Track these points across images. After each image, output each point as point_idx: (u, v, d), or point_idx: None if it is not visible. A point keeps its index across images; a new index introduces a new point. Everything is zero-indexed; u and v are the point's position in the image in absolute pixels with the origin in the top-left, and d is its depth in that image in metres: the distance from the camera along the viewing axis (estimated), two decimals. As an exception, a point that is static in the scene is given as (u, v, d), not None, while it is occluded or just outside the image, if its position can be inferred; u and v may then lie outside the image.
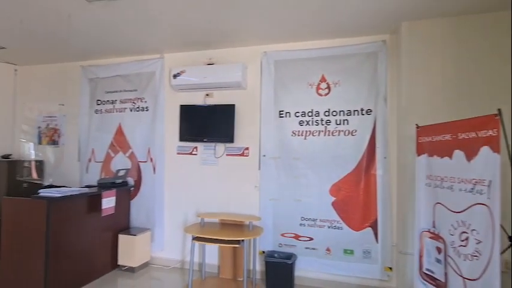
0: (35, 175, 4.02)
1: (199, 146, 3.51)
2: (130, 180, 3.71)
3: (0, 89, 4.07)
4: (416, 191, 2.38)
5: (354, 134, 3.03)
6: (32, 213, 2.67)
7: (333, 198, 3.07)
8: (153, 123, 3.66)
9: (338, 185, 3.06)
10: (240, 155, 3.37)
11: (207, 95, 3.48)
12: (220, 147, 3.43)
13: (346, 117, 3.05)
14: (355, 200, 3.01)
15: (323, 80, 3.14)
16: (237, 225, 3.17)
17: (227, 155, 3.41)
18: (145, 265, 3.55)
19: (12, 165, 3.78)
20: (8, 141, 4.18)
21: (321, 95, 3.14)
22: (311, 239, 3.14)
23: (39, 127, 4.18)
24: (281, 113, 3.24)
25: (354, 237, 3.01)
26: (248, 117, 3.35)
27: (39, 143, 4.16)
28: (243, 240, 2.79)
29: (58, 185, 3.65)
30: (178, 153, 3.59)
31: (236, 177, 3.37)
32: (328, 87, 3.11)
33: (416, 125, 2.42)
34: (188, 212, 3.52)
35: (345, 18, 2.67)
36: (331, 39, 3.11)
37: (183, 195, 3.55)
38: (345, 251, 3.04)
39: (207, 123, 3.38)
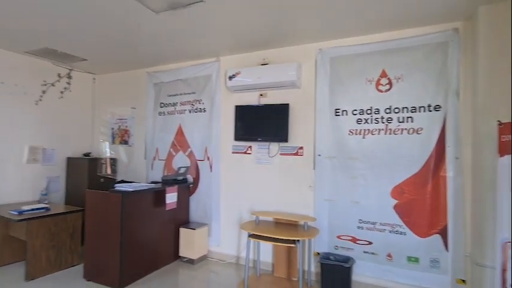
0: (109, 171, 4.53)
1: (254, 145, 3.58)
2: (190, 178, 3.95)
3: (81, 96, 4.67)
4: (497, 196, 2.11)
5: (419, 132, 2.80)
6: (109, 205, 3.01)
7: (395, 201, 2.88)
8: (210, 124, 3.84)
9: (401, 187, 2.86)
10: (294, 154, 3.36)
11: (261, 95, 3.53)
12: (274, 146, 3.46)
13: (410, 114, 2.83)
14: (421, 203, 2.78)
15: (383, 75, 2.95)
16: (291, 225, 3.17)
17: (281, 154, 3.43)
18: (204, 258, 3.75)
19: (92, 162, 4.30)
20: (88, 141, 4.78)
21: (381, 91, 2.96)
22: (370, 243, 2.98)
23: (112, 128, 4.69)
24: (337, 111, 3.14)
25: (419, 243, 2.78)
26: (302, 116, 3.32)
27: (113, 142, 4.67)
28: (298, 240, 2.77)
29: (129, 180, 4.07)
30: (233, 152, 3.71)
31: (290, 176, 3.37)
32: (390, 83, 2.92)
33: (499, 121, 2.13)
34: (243, 210, 3.63)
35: (410, 7, 2.48)
36: (393, 31, 2.92)
37: (238, 193, 3.66)
38: (409, 259, 2.82)
39: (261, 123, 3.43)
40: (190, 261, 3.61)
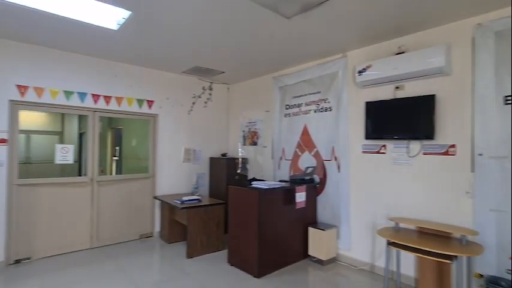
0: (242, 169, 5.05)
1: (388, 144, 3.25)
2: (316, 178, 3.94)
3: (219, 104, 5.41)
4: None
5: None
6: (248, 200, 3.33)
7: None
8: (337, 123, 3.73)
9: None
10: (443, 153, 2.85)
11: (397, 87, 3.16)
12: (415, 145, 3.03)
13: None
14: None
15: None
16: (441, 237, 2.69)
17: (424, 153, 2.97)
18: (333, 260, 3.66)
19: (229, 161, 4.91)
20: (224, 143, 5.49)
21: None
22: None
23: (243, 131, 5.22)
24: (508, 99, 2.47)
25: None
26: (454, 107, 2.78)
27: (244, 143, 5.19)
28: (455, 256, 2.32)
29: (259, 178, 4.42)
30: (363, 152, 3.47)
31: (437, 179, 2.88)
32: None
33: None
34: (377, 214, 3.34)
35: None
36: None
37: (370, 195, 3.41)
38: None
39: (398, 119, 3.08)
40: (320, 262, 3.60)
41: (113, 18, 2.80)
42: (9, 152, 3.43)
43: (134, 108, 4.37)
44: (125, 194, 4.38)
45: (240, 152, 5.20)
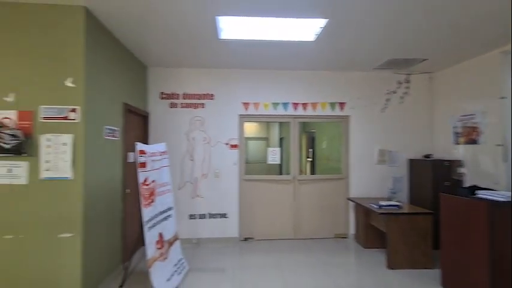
0: (454, 174, 4.10)
1: None
2: None
3: (419, 98, 4.67)
4: None
5: None
6: (471, 213, 2.63)
7: None
8: None
9: None
10: None
11: None
12: None
13: None
14: None
15: None
16: None
17: None
18: None
19: (434, 164, 4.11)
20: (427, 142, 4.68)
21: None
22: None
23: (455, 127, 4.23)
24: None
25: None
26: None
27: (457, 142, 4.19)
28: None
29: (482, 186, 3.40)
30: None
31: None
32: None
33: None
34: None
35: None
36: None
37: None
38: None
39: None
40: None
41: (311, 30, 3.04)
42: (239, 154, 4.52)
43: (327, 111, 4.58)
44: (319, 193, 4.66)
45: (454, 152, 4.24)
